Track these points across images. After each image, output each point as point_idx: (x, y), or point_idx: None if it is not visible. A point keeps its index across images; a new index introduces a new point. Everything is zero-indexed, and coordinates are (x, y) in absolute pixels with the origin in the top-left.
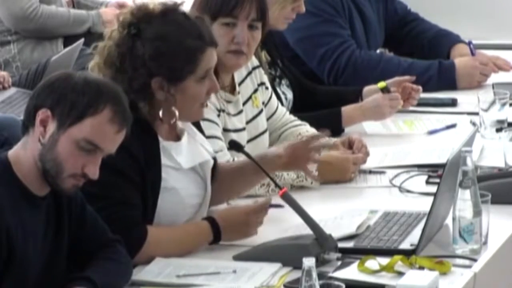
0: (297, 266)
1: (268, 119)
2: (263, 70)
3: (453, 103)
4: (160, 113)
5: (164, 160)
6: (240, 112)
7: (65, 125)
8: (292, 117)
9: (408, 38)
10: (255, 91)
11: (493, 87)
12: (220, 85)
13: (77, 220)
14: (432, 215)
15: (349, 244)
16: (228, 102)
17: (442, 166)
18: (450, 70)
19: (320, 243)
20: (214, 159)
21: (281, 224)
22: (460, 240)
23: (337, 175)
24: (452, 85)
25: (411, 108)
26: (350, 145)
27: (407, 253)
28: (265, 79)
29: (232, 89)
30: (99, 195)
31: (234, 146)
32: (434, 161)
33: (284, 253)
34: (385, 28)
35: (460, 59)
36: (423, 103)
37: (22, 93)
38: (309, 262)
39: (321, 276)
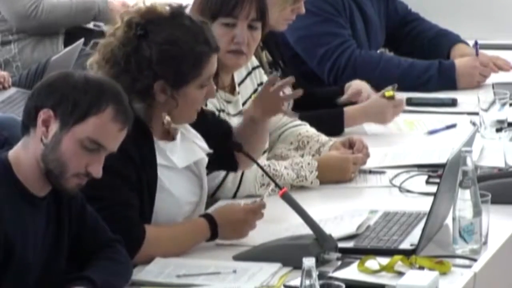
0: (297, 266)
1: None
2: (263, 70)
3: (453, 103)
4: (163, 115)
5: (159, 160)
6: (240, 112)
7: (68, 124)
8: None
9: (408, 38)
10: (255, 91)
11: (493, 87)
12: (220, 85)
13: (77, 220)
14: (432, 215)
15: (349, 244)
16: (228, 102)
17: (442, 166)
18: (450, 70)
19: (320, 243)
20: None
21: (281, 224)
22: (460, 240)
23: (337, 175)
24: (452, 85)
25: (411, 108)
26: (350, 145)
27: (407, 253)
28: (265, 79)
29: (232, 89)
30: (96, 197)
31: (234, 146)
32: (434, 161)
33: (284, 253)
34: (385, 27)
35: (460, 59)
36: (423, 103)
37: (22, 93)
38: (309, 262)
39: (321, 276)
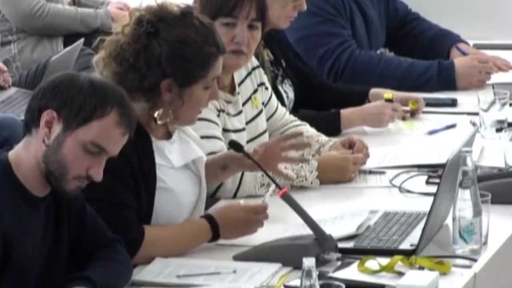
0: (297, 266)
1: (268, 119)
2: (264, 70)
3: (453, 103)
4: (156, 113)
5: (158, 160)
6: (239, 112)
7: (72, 127)
8: (292, 117)
9: (408, 38)
10: (255, 91)
11: (493, 87)
12: (220, 85)
13: (77, 220)
14: (432, 215)
15: (349, 244)
16: (228, 102)
17: (442, 166)
18: (450, 70)
19: (320, 243)
20: None
21: (281, 224)
22: (460, 240)
23: (337, 175)
24: (452, 85)
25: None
26: (350, 145)
27: (407, 253)
28: (265, 79)
29: (232, 90)
30: (93, 198)
31: (234, 146)
32: (434, 161)
33: (284, 253)
34: (386, 27)
35: (460, 59)
36: None
37: (22, 93)
38: (309, 262)
39: (321, 276)
